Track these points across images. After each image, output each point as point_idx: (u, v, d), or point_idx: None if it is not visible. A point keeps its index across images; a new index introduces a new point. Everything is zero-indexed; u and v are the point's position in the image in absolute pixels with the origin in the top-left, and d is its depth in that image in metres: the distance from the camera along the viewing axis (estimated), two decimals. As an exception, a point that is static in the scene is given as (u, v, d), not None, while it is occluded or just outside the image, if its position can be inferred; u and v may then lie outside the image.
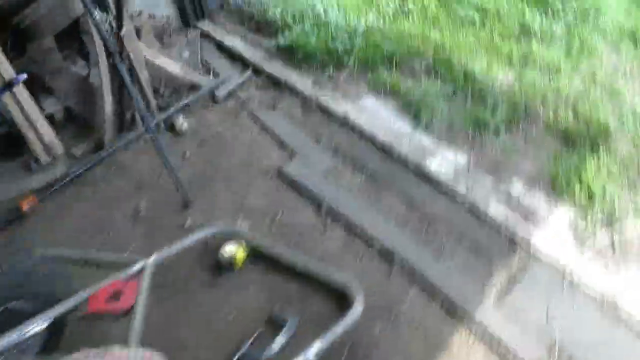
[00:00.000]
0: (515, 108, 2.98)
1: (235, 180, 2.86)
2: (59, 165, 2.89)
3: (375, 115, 3.14)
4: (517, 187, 2.60)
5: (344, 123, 3.14)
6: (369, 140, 3.00)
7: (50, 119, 2.92)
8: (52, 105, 2.99)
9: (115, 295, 2.09)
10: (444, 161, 2.76)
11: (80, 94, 2.99)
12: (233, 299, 2.26)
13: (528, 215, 2.44)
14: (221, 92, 3.51)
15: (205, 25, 4.15)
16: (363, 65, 3.51)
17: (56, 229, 2.65)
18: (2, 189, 2.72)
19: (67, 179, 2.84)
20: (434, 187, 2.67)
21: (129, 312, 1.99)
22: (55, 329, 2.00)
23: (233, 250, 2.37)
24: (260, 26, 4.08)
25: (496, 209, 2.48)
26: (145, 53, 3.29)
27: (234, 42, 3.95)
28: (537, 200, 2.51)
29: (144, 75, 3.18)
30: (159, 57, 3.41)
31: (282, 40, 3.75)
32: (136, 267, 2.15)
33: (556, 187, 2.57)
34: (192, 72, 3.61)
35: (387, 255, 2.38)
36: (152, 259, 2.19)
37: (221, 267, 2.36)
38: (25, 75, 2.49)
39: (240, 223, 2.59)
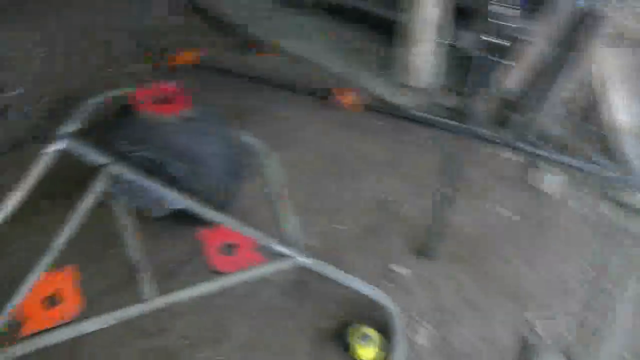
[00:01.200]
0: None
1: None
2: (411, 96, 2.45)
3: None
4: None
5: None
6: None
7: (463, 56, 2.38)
8: (465, 42, 2.42)
9: (230, 249, 1.77)
10: None
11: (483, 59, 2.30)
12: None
13: None
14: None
15: None
16: None
17: (308, 146, 2.38)
18: (352, 73, 2.52)
19: (402, 113, 2.42)
20: None
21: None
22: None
23: (367, 342, 1.68)
24: None
25: None
26: (604, 70, 2.23)
27: None
28: None
29: (558, 88, 2.22)
30: (614, 91, 2.26)
31: None
32: (282, 249, 1.75)
33: None
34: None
35: None
36: (298, 259, 1.74)
37: (339, 338, 1.74)
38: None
39: (419, 336, 1.80)
